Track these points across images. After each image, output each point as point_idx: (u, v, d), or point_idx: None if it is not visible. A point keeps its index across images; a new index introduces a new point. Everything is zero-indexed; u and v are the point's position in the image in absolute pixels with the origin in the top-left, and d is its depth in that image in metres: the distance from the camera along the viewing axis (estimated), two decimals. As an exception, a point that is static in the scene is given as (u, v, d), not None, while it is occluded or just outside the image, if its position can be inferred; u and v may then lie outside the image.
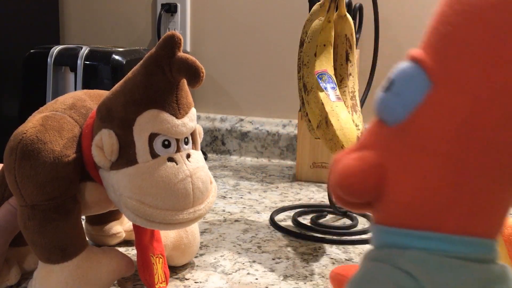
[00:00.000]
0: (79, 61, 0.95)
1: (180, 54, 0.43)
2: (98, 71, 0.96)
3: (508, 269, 0.26)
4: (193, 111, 0.47)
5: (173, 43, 0.43)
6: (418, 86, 0.26)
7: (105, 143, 0.44)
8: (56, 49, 0.98)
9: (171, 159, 0.45)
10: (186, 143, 0.46)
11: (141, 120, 0.44)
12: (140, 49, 1.05)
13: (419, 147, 0.25)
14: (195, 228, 0.57)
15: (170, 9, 1.18)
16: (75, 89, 0.96)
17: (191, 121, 0.46)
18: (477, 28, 0.24)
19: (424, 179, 0.25)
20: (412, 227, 0.25)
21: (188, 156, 0.46)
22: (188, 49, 1.20)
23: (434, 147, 0.25)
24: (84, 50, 0.96)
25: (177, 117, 0.45)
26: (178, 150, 0.45)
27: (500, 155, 0.24)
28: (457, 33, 0.25)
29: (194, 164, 0.46)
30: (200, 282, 0.53)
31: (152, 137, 0.44)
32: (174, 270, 0.56)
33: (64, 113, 0.48)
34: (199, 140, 0.49)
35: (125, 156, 0.44)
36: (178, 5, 1.19)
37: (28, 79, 1.00)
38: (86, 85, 0.95)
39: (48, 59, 0.97)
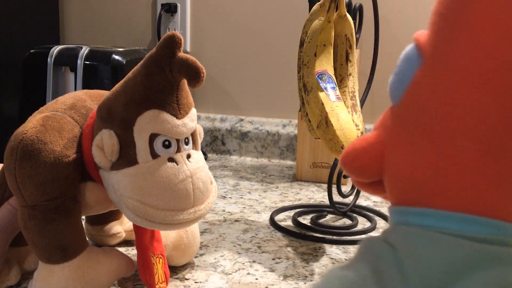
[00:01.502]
0: (79, 61, 0.95)
1: (181, 54, 0.43)
2: (98, 71, 0.96)
3: None
4: (193, 111, 0.47)
5: (173, 43, 0.43)
6: (411, 64, 0.26)
7: (105, 143, 0.44)
8: (56, 49, 0.97)
9: (171, 160, 0.45)
10: (187, 143, 0.46)
11: (142, 120, 0.44)
12: (140, 49, 1.05)
13: (407, 125, 0.26)
14: (195, 228, 0.57)
15: (170, 9, 1.18)
16: (75, 89, 0.96)
17: (192, 121, 0.46)
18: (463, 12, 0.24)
19: (415, 156, 0.25)
20: (408, 204, 0.26)
21: (188, 156, 0.46)
22: (188, 49, 1.20)
23: (419, 125, 0.25)
24: (84, 50, 0.96)
25: (177, 117, 0.45)
26: (178, 150, 0.45)
27: (490, 130, 0.23)
28: (450, 15, 0.25)
29: (195, 164, 0.46)
30: (200, 282, 0.53)
31: (152, 137, 0.44)
32: (174, 270, 0.56)
33: (65, 113, 0.48)
34: (199, 140, 0.49)
35: (126, 156, 0.44)
36: (178, 5, 1.19)
37: (28, 79, 1.00)
38: (86, 85, 0.95)
39: (48, 59, 0.97)
